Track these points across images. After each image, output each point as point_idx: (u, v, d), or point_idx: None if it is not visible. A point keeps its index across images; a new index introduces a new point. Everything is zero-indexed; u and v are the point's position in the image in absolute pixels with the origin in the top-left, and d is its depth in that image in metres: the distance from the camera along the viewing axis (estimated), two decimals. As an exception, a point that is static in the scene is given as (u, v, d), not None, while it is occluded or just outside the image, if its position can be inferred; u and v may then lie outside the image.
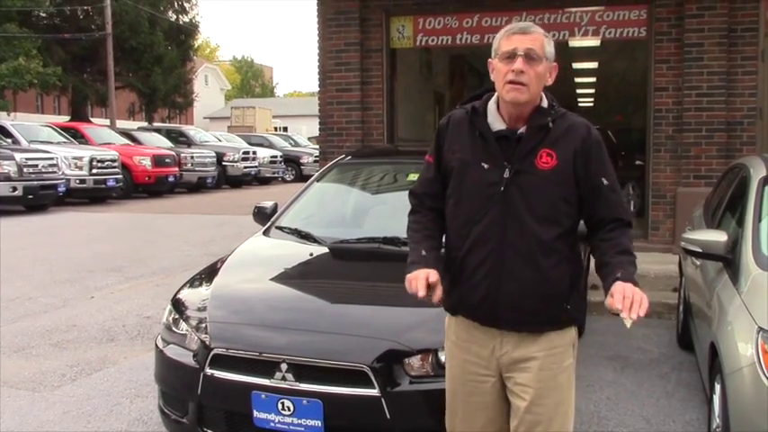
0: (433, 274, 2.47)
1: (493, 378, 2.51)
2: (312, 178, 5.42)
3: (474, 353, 2.53)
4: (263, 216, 4.90)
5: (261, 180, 25.77)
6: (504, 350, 2.46)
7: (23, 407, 4.60)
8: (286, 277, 4.01)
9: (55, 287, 8.09)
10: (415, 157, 5.64)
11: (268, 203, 5.02)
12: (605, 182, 2.39)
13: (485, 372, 2.52)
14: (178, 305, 3.81)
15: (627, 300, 2.17)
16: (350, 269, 4.35)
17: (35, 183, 15.01)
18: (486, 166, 2.41)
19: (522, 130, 2.41)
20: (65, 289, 8.01)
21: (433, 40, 9.31)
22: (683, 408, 4.61)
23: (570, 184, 2.38)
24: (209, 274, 4.14)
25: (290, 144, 31.59)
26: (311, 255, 4.21)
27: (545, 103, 2.45)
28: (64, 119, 33.36)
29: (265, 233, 4.72)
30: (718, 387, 3.49)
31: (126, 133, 22.57)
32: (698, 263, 4.75)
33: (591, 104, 21.08)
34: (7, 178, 14.44)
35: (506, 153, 2.40)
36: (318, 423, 3.17)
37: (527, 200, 2.37)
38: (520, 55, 2.34)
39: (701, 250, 4.05)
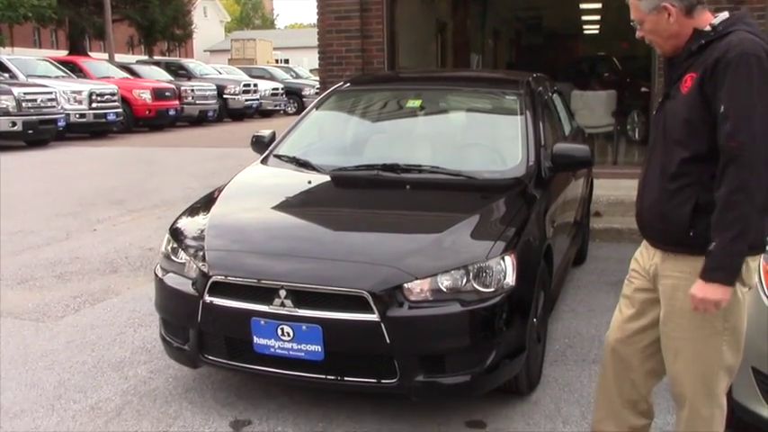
0: None
1: (645, 279, 2.63)
2: (311, 105, 5.33)
3: (640, 261, 2.68)
4: (261, 145, 4.83)
5: (263, 113, 25.52)
6: (654, 261, 2.57)
7: (28, 337, 4.64)
8: (284, 205, 3.96)
9: (57, 220, 8.09)
10: (416, 84, 5.56)
11: (266, 132, 4.95)
12: (722, 108, 2.26)
13: (640, 276, 2.66)
14: (176, 234, 3.79)
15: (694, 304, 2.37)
16: (348, 196, 4.30)
17: (34, 117, 14.84)
18: (665, 90, 2.54)
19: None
20: (67, 222, 8.02)
21: (434, -35, 9.04)
22: (684, 331, 4.62)
23: (696, 108, 2.34)
24: (206, 203, 4.11)
25: (292, 76, 31.17)
26: (309, 183, 4.16)
27: (708, 26, 2.41)
28: (62, 53, 32.91)
29: (263, 162, 4.66)
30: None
31: (125, 67, 22.25)
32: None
33: (596, 32, 20.68)
34: (6, 113, 14.28)
35: (669, 77, 2.52)
36: (318, 348, 3.18)
37: (666, 124, 2.46)
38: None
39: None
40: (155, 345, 4.37)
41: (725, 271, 2.29)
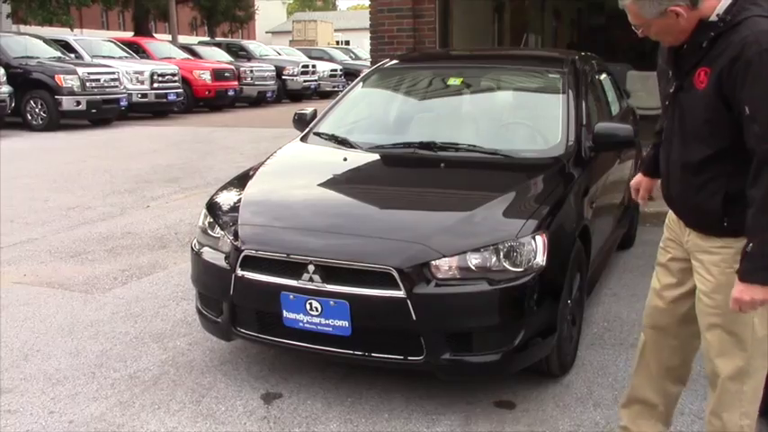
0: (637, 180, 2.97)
1: (680, 252, 2.62)
2: (353, 83, 5.33)
3: (674, 231, 2.65)
4: (303, 122, 4.87)
5: (321, 94, 25.63)
6: (690, 237, 2.53)
7: (76, 308, 4.80)
8: (317, 182, 3.96)
9: (113, 197, 8.31)
10: (460, 62, 5.52)
11: (308, 110, 4.99)
12: (747, 110, 2.18)
13: (676, 246, 2.64)
14: (213, 209, 3.85)
15: (734, 305, 2.31)
16: (383, 174, 4.29)
17: (98, 97, 15.21)
18: (668, 76, 2.50)
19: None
20: (123, 198, 8.23)
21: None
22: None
23: (716, 107, 2.27)
24: (243, 179, 4.16)
25: (351, 57, 31.24)
26: (345, 160, 4.17)
27: (714, 15, 2.28)
28: (128, 35, 33.67)
29: (303, 139, 4.69)
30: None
31: (186, 48, 22.64)
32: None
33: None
34: (71, 92, 14.68)
35: (678, 67, 2.43)
36: (346, 324, 3.20)
37: (682, 118, 2.41)
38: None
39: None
40: (195, 318, 4.43)
41: (766, 271, 2.22)
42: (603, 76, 5.56)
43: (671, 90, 2.46)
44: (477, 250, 3.20)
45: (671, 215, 2.66)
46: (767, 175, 2.16)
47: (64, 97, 14.62)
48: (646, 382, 2.84)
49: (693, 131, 2.38)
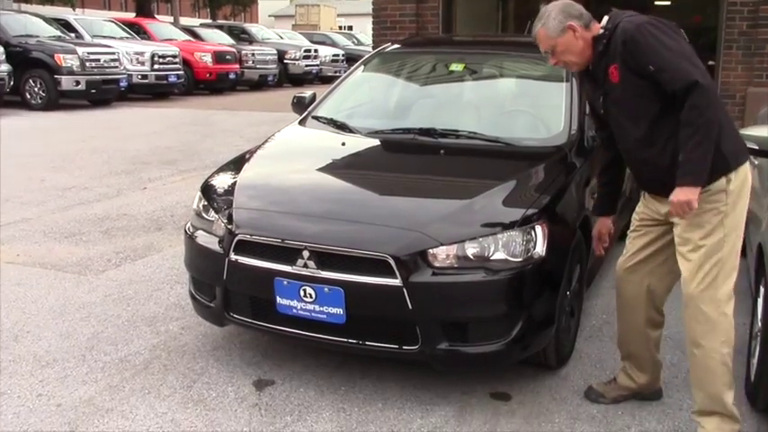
0: (596, 227, 3.45)
1: (658, 221, 3.06)
2: (353, 67, 5.25)
3: (651, 202, 3.09)
4: (302, 106, 4.79)
5: (323, 79, 25.46)
6: (665, 205, 2.90)
7: (68, 289, 4.74)
8: (314, 167, 3.90)
9: (110, 178, 8.25)
10: (462, 47, 5.43)
11: (307, 93, 4.90)
12: (651, 68, 2.74)
13: (655, 215, 3.07)
14: (208, 192, 3.79)
15: (673, 210, 2.78)
16: (382, 160, 4.22)
17: (97, 77, 15.09)
18: (595, 95, 3.09)
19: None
20: (120, 180, 8.17)
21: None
22: (730, 312, 4.43)
23: (634, 82, 2.81)
24: (239, 162, 4.09)
25: (353, 43, 31.09)
26: (343, 145, 4.10)
27: (601, 29, 2.93)
28: (130, 15, 33.48)
29: (301, 123, 4.62)
30: (762, 290, 3.32)
31: (188, 29, 22.48)
32: (756, 162, 4.46)
33: (668, 3, 19.91)
34: (70, 72, 14.54)
35: (596, 80, 3.02)
36: (340, 311, 3.14)
37: (619, 107, 2.94)
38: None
39: (756, 147, 3.77)
40: (188, 302, 4.36)
41: (693, 175, 2.69)
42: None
43: (600, 101, 3.01)
44: (475, 239, 3.13)
45: (644, 200, 3.12)
46: (688, 103, 2.66)
47: (63, 77, 14.48)
48: (628, 332, 3.28)
49: (631, 111, 2.89)
